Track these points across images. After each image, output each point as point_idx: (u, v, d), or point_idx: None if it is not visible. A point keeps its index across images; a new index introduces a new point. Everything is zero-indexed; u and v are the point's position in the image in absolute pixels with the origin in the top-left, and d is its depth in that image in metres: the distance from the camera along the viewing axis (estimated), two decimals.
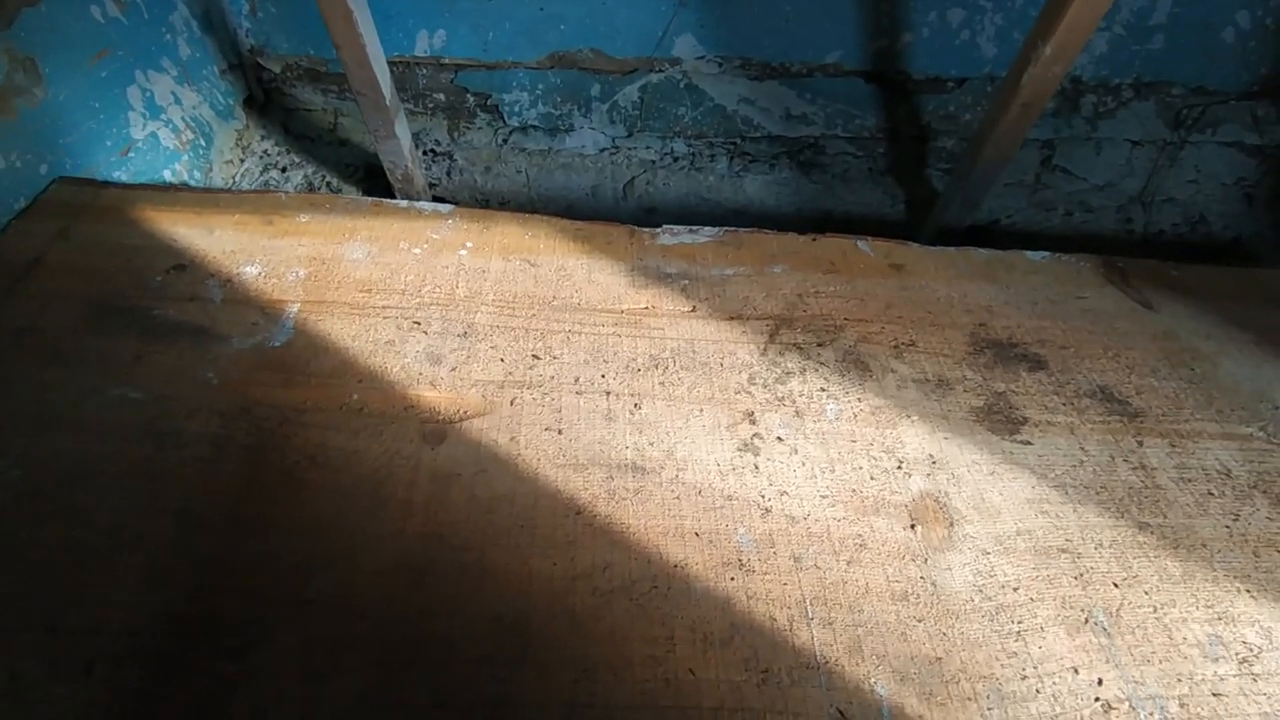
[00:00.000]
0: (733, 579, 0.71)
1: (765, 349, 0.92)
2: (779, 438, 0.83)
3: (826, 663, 0.65)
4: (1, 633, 0.62)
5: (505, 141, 1.60)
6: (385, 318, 0.91)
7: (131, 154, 1.22)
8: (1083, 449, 0.85)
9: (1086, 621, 0.70)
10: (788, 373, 0.90)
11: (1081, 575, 0.73)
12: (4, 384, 0.80)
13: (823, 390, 0.88)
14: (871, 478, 0.80)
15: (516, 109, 1.58)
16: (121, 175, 1.19)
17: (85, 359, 0.83)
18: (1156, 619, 0.70)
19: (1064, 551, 0.75)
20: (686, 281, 1.01)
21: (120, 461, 0.74)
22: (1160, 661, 0.67)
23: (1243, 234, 1.55)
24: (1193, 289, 1.09)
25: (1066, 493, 0.80)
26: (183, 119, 1.34)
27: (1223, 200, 1.55)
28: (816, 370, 0.90)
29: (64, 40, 1.09)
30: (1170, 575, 0.74)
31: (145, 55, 1.25)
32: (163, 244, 0.97)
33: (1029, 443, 0.85)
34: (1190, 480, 0.83)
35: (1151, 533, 0.77)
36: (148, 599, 0.65)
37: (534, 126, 1.59)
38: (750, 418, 0.85)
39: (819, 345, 0.93)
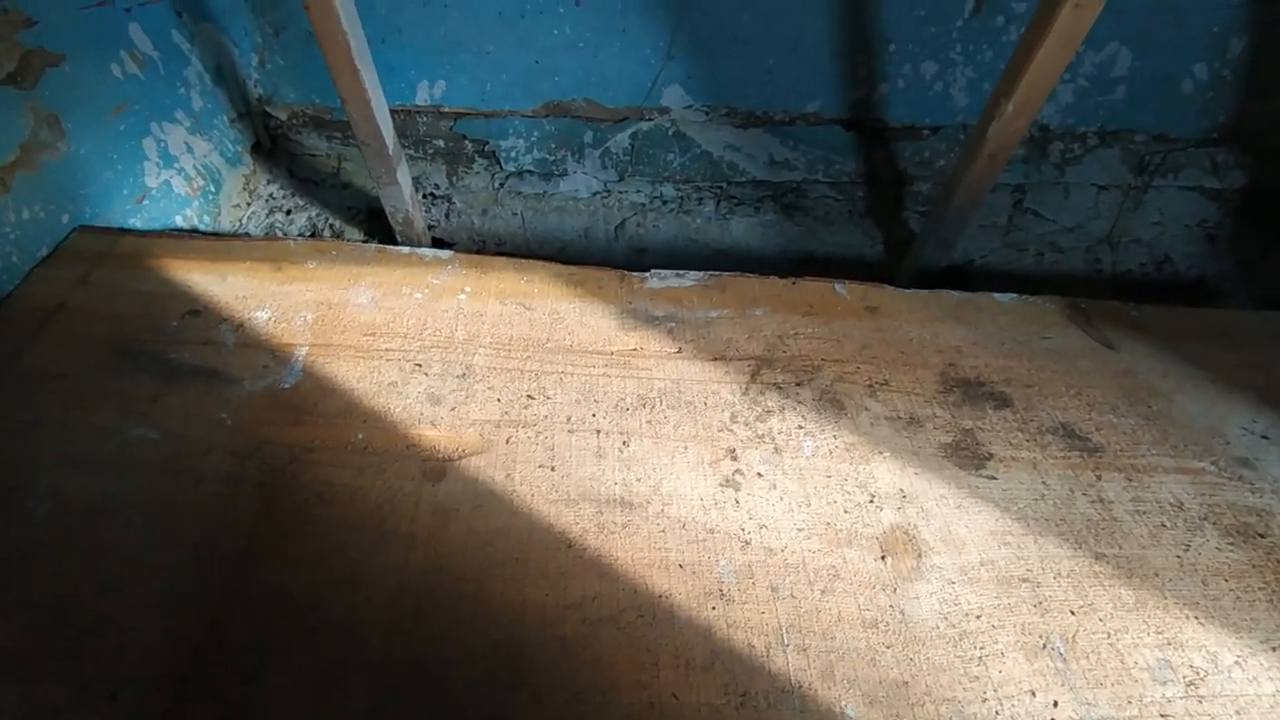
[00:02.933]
0: (714, 608, 0.75)
1: (747, 388, 0.98)
2: (759, 473, 0.88)
3: (800, 687, 0.70)
4: (29, 662, 0.67)
5: (502, 185, 1.68)
6: (389, 360, 0.97)
7: (146, 201, 1.28)
8: (1044, 483, 0.90)
9: (1044, 647, 0.75)
10: (768, 411, 0.95)
11: (1040, 603, 0.78)
12: (31, 424, 0.85)
13: (800, 428, 0.94)
14: (845, 511, 0.85)
15: (513, 155, 1.65)
16: (136, 222, 1.25)
17: (106, 400, 0.88)
18: (1110, 644, 0.75)
19: (1024, 581, 0.80)
20: (673, 324, 1.07)
21: (141, 498, 0.79)
22: (1112, 685, 0.72)
23: (1206, 273, 1.62)
24: (1152, 329, 1.15)
25: (1028, 525, 0.86)
26: (194, 167, 1.41)
27: (1186, 241, 1.62)
28: (795, 409, 0.96)
29: (85, 97, 1.16)
30: (1124, 603, 0.79)
31: (160, 108, 1.32)
32: (178, 290, 1.03)
33: (994, 477, 0.91)
34: (1145, 513, 0.88)
35: (1107, 563, 0.82)
36: (167, 627, 0.70)
37: (529, 171, 1.67)
38: (732, 454, 0.90)
39: (797, 385, 0.99)
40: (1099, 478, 0.92)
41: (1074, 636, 0.76)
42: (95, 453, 0.83)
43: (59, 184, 1.10)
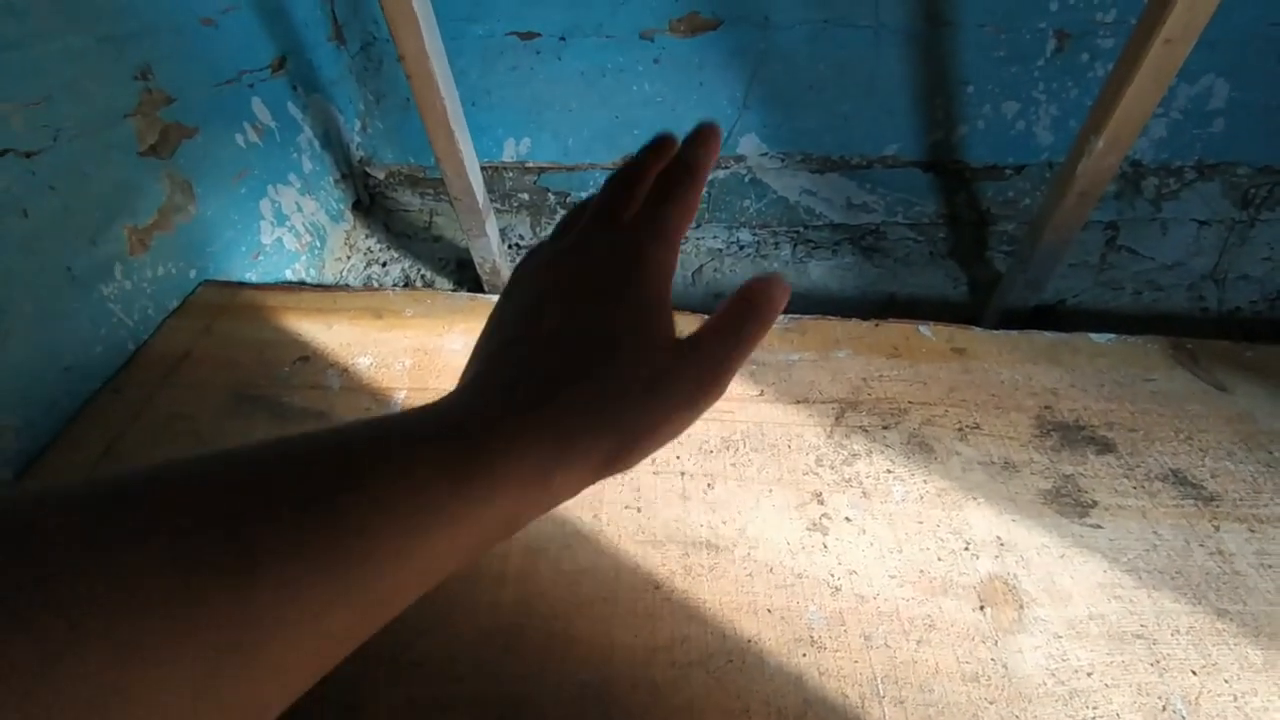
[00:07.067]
0: (804, 655, 0.74)
1: (831, 431, 0.97)
2: (847, 518, 0.87)
3: None
4: None
5: None
6: None
7: (260, 257, 1.39)
8: (1156, 533, 0.85)
9: (1164, 709, 0.70)
10: (854, 455, 0.94)
11: (1158, 662, 0.73)
12: None
13: (889, 472, 0.92)
14: (939, 559, 0.83)
15: None
16: (252, 276, 1.36)
17: (227, 441, 0.94)
18: (1237, 708, 0.69)
19: (1139, 637, 0.76)
20: (754, 367, 1.07)
21: None
22: None
23: None
24: (1269, 370, 1.08)
25: (1140, 577, 0.81)
26: (303, 224, 1.52)
27: None
28: (882, 452, 0.94)
29: (214, 165, 1.28)
30: (1251, 663, 0.73)
31: (276, 172, 1.44)
32: (290, 338, 1.11)
33: (1099, 526, 0.86)
34: (1271, 566, 0.82)
35: (1231, 620, 0.77)
36: None
37: None
38: (818, 498, 0.89)
39: (884, 428, 0.98)
40: (1217, 528, 0.86)
41: (1197, 698, 0.70)
42: None
43: (189, 243, 1.21)
